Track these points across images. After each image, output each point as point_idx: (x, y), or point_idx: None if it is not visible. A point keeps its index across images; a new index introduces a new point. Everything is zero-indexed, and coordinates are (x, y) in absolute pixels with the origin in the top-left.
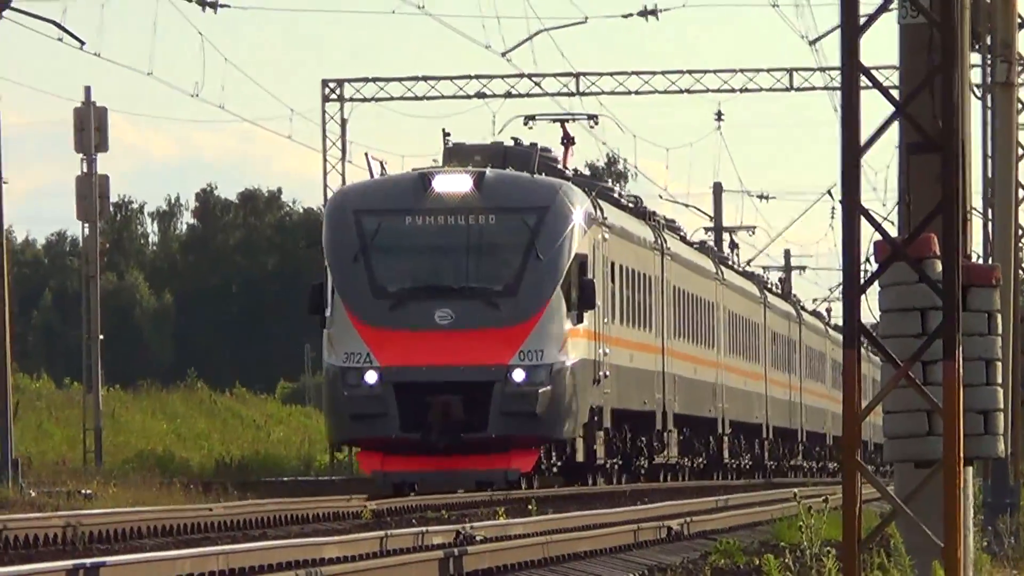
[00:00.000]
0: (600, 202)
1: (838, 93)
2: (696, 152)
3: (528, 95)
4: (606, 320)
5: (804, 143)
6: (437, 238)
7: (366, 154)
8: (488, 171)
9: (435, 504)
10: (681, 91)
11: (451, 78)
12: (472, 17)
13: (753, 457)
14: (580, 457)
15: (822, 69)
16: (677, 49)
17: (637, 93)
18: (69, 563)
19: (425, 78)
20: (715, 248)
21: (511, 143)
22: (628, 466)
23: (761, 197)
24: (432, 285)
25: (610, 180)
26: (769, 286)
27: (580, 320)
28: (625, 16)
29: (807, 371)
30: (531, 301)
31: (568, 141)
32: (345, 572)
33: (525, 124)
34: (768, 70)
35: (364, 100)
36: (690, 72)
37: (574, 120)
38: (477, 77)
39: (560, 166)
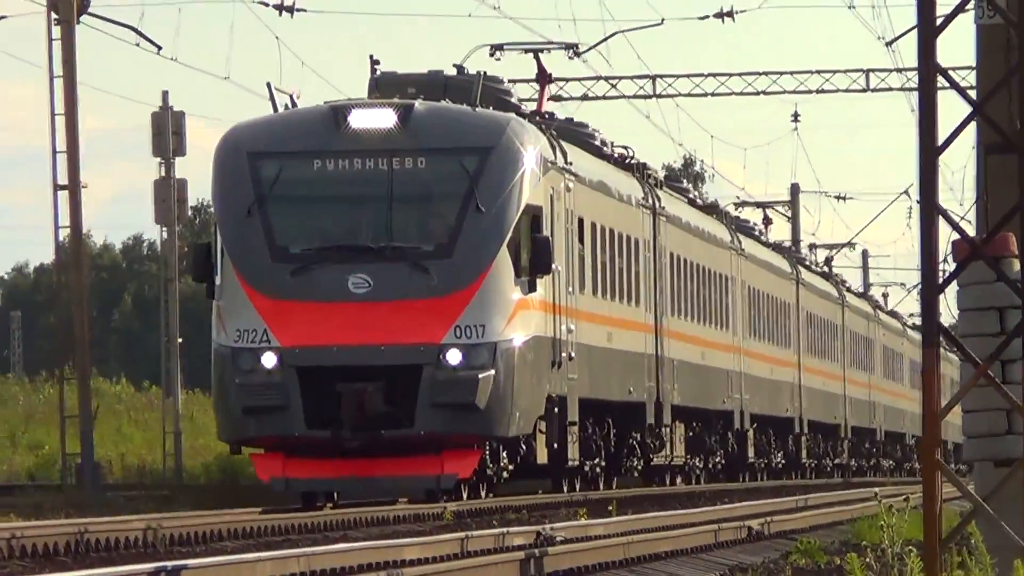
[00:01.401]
0: (563, 144)
1: (915, 94)
2: (773, 153)
3: (604, 97)
4: (570, 289)
5: (881, 144)
6: (352, 186)
7: (268, 84)
8: (418, 104)
9: (515, 505)
10: (758, 92)
11: (527, 80)
12: (548, 20)
13: (831, 456)
14: (542, 458)
15: (899, 70)
16: (753, 50)
17: (714, 95)
18: (151, 566)
19: (503, 80)
20: (794, 249)
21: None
22: (616, 467)
23: (838, 198)
24: (345, 245)
25: (686, 181)
26: (848, 286)
27: (532, 288)
28: (702, 18)
29: (884, 370)
30: (470, 264)
31: (544, 78)
32: (426, 573)
33: (491, 55)
34: (844, 71)
35: None
36: (766, 73)
37: (549, 51)
38: (556, 80)
39: (514, 100)
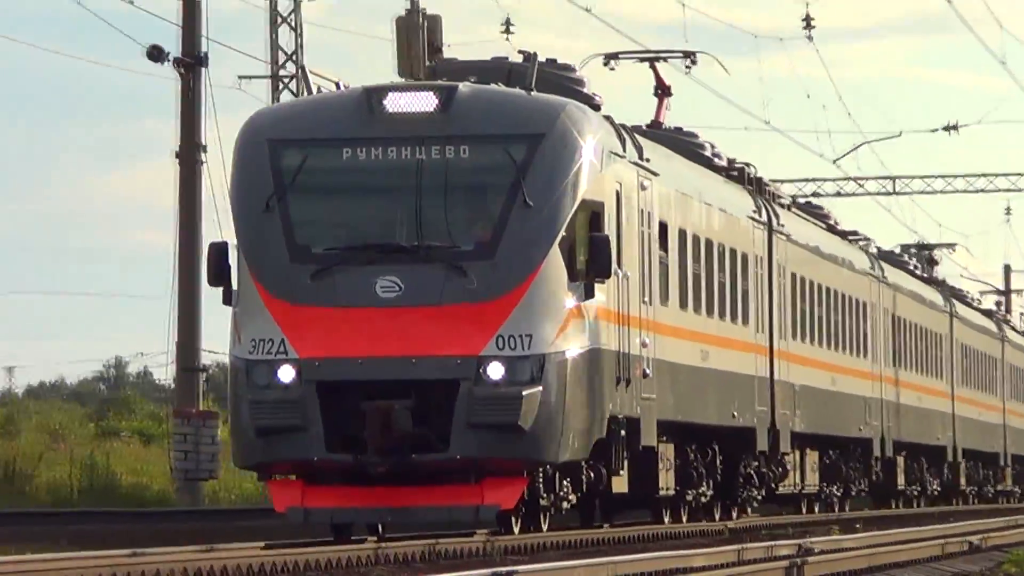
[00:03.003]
0: (640, 140)
1: None
2: (990, 239)
3: (853, 195)
4: (646, 299)
5: None
6: (384, 178)
7: (302, 67)
8: (462, 86)
9: (781, 523)
10: (977, 191)
11: (792, 180)
12: (808, 132)
13: (991, 483)
14: (620, 486)
15: None
16: (974, 155)
17: (942, 192)
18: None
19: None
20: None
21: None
22: (728, 495)
23: None
24: (373, 244)
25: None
26: (1011, 324)
27: (590, 294)
28: (932, 131)
29: None
30: (515, 265)
31: (663, 91)
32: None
33: (605, 64)
34: None
35: None
36: (984, 175)
37: (666, 60)
38: (812, 180)
39: (586, 90)
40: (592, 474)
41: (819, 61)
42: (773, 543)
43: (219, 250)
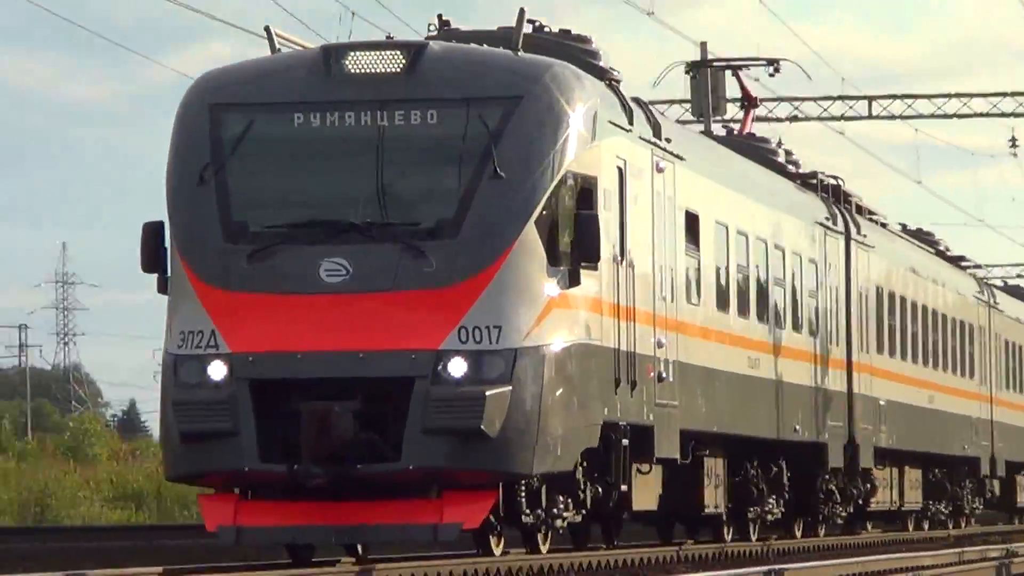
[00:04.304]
0: (656, 117)
1: None
2: None
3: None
4: (664, 295)
5: None
6: (339, 147)
7: (267, 28)
8: (433, 44)
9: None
10: None
11: (1001, 265)
12: (1016, 227)
13: None
14: (644, 503)
15: None
16: None
17: None
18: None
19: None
20: None
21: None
22: (805, 512)
23: None
24: (319, 221)
25: None
26: None
27: (575, 281)
28: None
29: None
30: (482, 245)
31: (749, 102)
32: (942, 573)
33: (687, 73)
34: None
35: None
36: None
37: (749, 67)
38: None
39: (602, 64)
40: (599, 489)
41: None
42: (986, 547)
43: (153, 231)
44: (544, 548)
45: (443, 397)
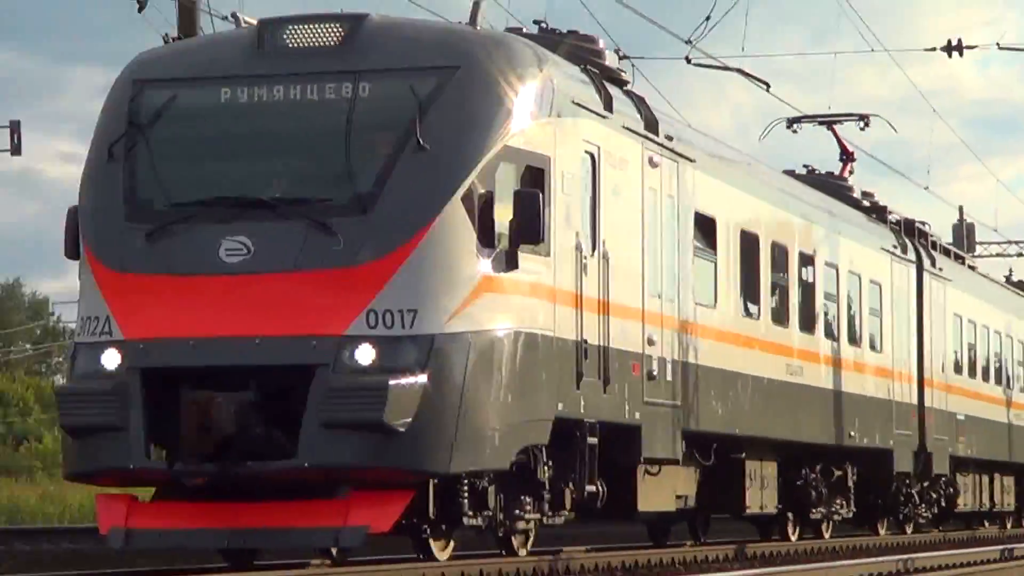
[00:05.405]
0: (655, 113)
1: None
2: None
3: None
4: (659, 293)
5: None
6: (263, 122)
7: (234, 13)
8: (373, 15)
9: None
10: None
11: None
12: None
13: None
14: (650, 503)
15: None
16: None
17: None
18: None
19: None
20: None
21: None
22: (868, 516)
23: None
24: (223, 197)
25: None
26: None
27: (512, 264)
28: None
29: None
30: (398, 222)
31: (847, 156)
32: (980, 570)
33: (788, 127)
34: None
35: None
36: None
37: (842, 122)
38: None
39: (608, 63)
40: (573, 487)
41: None
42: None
43: (74, 214)
44: (524, 551)
45: (343, 387)
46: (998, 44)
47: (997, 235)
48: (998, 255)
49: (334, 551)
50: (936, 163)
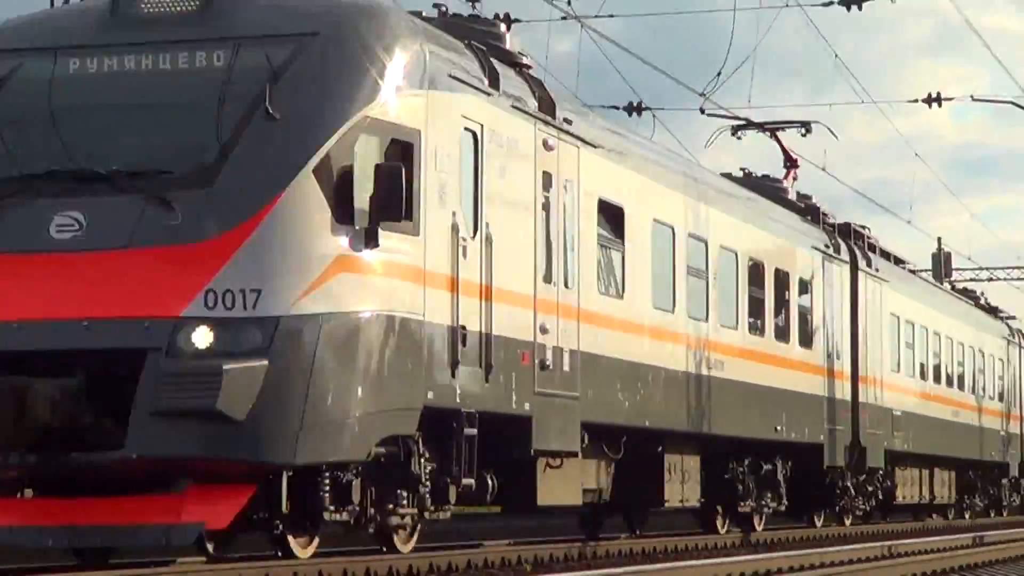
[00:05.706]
0: (569, 104)
1: None
2: None
3: None
4: (554, 280)
5: None
6: (108, 93)
7: None
8: None
9: None
10: None
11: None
12: None
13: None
14: (574, 497)
15: None
16: None
17: None
18: None
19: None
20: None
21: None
22: (802, 507)
23: None
24: (58, 171)
25: None
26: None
27: (372, 242)
28: None
29: None
30: (241, 195)
31: (790, 163)
32: (957, 555)
33: (733, 135)
34: None
35: None
36: None
37: (784, 130)
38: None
39: (509, 47)
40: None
41: None
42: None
43: None
44: (407, 547)
45: (175, 372)
46: (972, 96)
47: (971, 262)
48: (972, 279)
49: (210, 547)
50: (918, 200)
